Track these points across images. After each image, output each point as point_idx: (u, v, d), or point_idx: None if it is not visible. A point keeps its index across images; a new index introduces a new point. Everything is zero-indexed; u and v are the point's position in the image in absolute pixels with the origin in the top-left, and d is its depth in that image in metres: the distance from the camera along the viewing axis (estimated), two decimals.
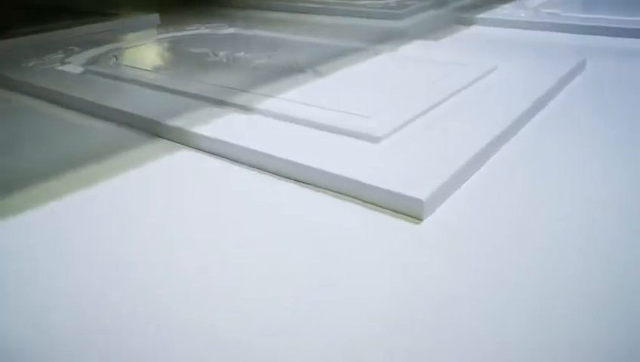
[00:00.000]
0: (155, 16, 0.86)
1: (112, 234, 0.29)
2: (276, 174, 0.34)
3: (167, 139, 0.41)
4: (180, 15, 0.94)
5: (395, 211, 0.29)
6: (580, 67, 0.51)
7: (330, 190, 0.32)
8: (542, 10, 0.78)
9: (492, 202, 0.30)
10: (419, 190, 0.28)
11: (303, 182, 0.33)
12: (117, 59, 0.58)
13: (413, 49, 0.61)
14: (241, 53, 0.59)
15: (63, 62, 0.57)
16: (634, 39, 0.63)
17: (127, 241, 0.28)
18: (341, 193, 0.31)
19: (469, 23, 0.78)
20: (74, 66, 0.56)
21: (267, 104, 0.42)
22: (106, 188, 0.34)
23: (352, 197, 0.31)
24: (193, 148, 0.39)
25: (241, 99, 0.44)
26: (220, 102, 0.44)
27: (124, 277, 0.25)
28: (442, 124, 0.38)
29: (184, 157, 0.38)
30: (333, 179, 0.31)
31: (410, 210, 0.28)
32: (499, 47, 0.64)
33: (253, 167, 0.36)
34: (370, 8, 0.87)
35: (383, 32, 0.76)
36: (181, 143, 0.40)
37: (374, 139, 0.35)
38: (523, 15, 0.75)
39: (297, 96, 0.44)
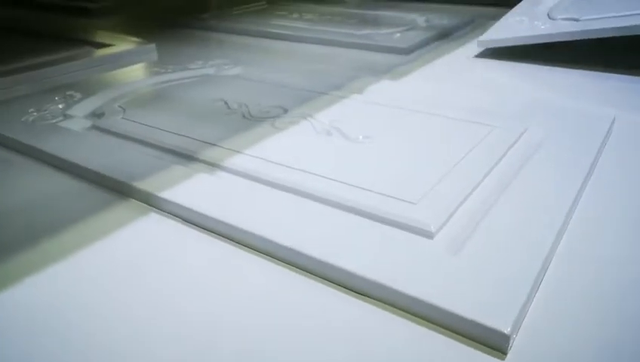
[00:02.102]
0: (152, 47, 0.83)
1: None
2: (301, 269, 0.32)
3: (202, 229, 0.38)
4: (172, 44, 0.91)
5: (464, 336, 0.27)
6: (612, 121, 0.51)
7: (374, 299, 0.30)
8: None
9: (572, 310, 0.28)
10: (501, 319, 0.26)
11: (331, 282, 0.31)
12: (125, 111, 0.54)
13: (427, 96, 0.59)
14: (256, 105, 0.56)
15: (65, 116, 0.54)
16: None
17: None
18: (390, 304, 0.29)
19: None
20: (78, 121, 0.53)
21: (296, 179, 0.40)
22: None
23: (403, 311, 0.29)
24: (231, 241, 0.36)
25: (264, 171, 0.41)
26: (240, 174, 0.41)
27: None
28: (494, 210, 0.36)
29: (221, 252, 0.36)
30: (383, 290, 0.29)
31: (490, 342, 0.26)
32: (515, 88, 0.63)
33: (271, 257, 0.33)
34: (371, 40, 0.85)
35: (389, 68, 0.74)
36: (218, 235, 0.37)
37: (427, 234, 0.33)
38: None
39: (328, 169, 0.41)
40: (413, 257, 0.31)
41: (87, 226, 0.38)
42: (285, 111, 0.55)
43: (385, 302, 0.29)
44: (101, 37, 0.89)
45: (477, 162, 0.42)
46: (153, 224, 0.38)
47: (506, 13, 1.09)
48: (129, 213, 0.39)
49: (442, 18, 1.00)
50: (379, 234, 0.34)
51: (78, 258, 0.34)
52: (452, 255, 0.31)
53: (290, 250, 0.33)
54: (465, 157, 0.43)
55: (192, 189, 0.40)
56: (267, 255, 0.34)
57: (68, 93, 0.60)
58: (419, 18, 1.00)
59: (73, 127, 0.51)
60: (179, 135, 0.48)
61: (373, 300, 0.30)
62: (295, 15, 1.06)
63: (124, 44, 0.83)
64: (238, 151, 0.45)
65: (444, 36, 0.91)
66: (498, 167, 0.42)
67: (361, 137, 0.47)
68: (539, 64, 0.72)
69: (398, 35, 0.88)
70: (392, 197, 0.37)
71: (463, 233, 0.34)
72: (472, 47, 0.82)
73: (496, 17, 1.04)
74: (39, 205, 0.41)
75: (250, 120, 0.53)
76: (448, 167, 0.41)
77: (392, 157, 0.44)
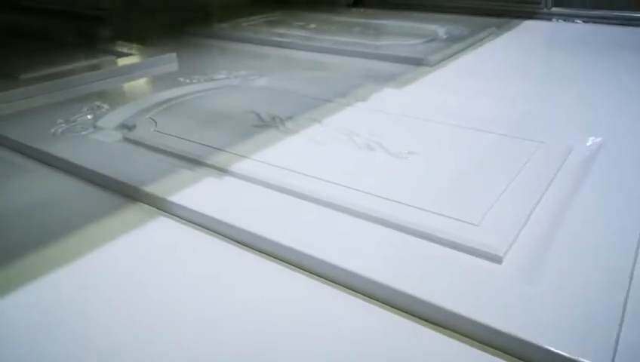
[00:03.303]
0: (172, 56, 0.81)
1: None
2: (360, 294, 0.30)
3: (253, 249, 0.36)
4: (190, 53, 0.89)
5: None
6: None
7: (447, 328, 0.28)
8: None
9: None
10: (597, 356, 0.24)
11: (392, 307, 0.30)
12: (156, 124, 0.53)
13: (465, 111, 0.58)
14: (289, 117, 0.55)
15: (95, 128, 0.52)
16: None
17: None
18: (466, 336, 0.27)
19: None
20: (108, 133, 0.51)
21: (347, 197, 0.38)
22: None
23: (483, 343, 0.27)
24: (287, 263, 0.35)
25: (313, 189, 0.39)
26: (291, 192, 0.40)
27: None
28: (561, 232, 0.34)
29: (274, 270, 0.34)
30: (459, 320, 0.28)
31: None
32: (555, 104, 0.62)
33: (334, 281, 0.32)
34: (394, 52, 0.83)
35: (415, 81, 0.72)
36: (264, 254, 0.35)
37: (495, 259, 0.32)
38: None
39: (378, 186, 0.40)
40: (485, 284, 0.30)
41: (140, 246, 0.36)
42: (320, 123, 0.53)
43: (461, 333, 0.28)
44: (120, 45, 0.88)
45: (531, 180, 0.41)
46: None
47: (513, 22, 1.08)
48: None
49: (461, 29, 0.99)
50: (442, 257, 0.32)
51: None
52: (526, 282, 0.30)
53: (348, 271, 0.31)
54: (518, 175, 0.41)
55: (252, 209, 0.38)
56: (320, 276, 0.32)
57: (95, 103, 0.59)
58: (439, 29, 0.99)
59: (105, 140, 0.50)
60: (217, 149, 0.47)
61: (445, 329, 0.28)
62: (312, 25, 1.05)
63: (144, 53, 0.81)
64: (284, 168, 0.43)
65: (467, 47, 0.90)
66: (554, 185, 0.40)
67: (405, 153, 0.46)
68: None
69: (421, 46, 0.87)
70: (451, 218, 0.36)
71: (532, 257, 0.32)
72: (493, 56, 0.81)
73: (503, 27, 1.05)
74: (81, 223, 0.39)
75: (286, 133, 0.51)
76: (503, 186, 0.40)
77: (441, 174, 0.42)
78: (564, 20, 1.13)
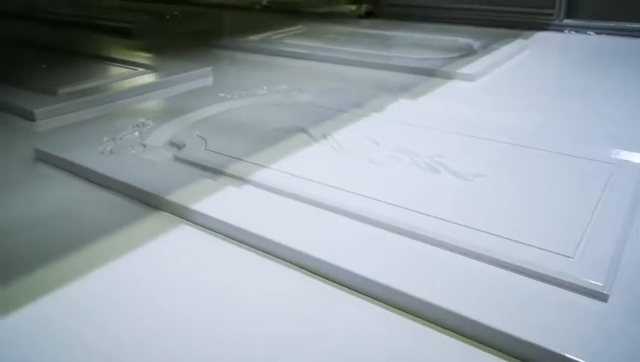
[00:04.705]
0: (208, 71, 0.79)
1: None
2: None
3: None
4: (222, 66, 0.88)
5: None
6: None
7: None
8: None
9: None
10: None
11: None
12: (206, 142, 0.51)
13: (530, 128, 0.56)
14: (343, 136, 0.52)
15: (144, 146, 0.50)
16: None
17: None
18: None
19: None
20: (158, 152, 0.49)
21: (427, 227, 0.36)
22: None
23: None
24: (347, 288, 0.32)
25: (390, 216, 0.37)
26: (368, 220, 0.37)
27: None
28: None
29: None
30: None
31: None
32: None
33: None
34: (433, 65, 0.81)
35: (465, 96, 0.70)
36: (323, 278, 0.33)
37: (600, 296, 0.29)
38: None
39: (456, 214, 0.37)
40: (595, 326, 0.27)
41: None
42: (376, 143, 0.51)
43: None
44: (152, 59, 0.86)
45: (615, 205, 0.38)
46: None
47: (525, 33, 1.06)
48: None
49: (497, 43, 0.97)
50: (540, 294, 0.30)
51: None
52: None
53: (436, 306, 0.29)
54: (600, 200, 0.39)
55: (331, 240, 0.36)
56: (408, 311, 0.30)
57: (139, 120, 0.57)
58: (474, 43, 0.97)
59: (156, 159, 0.48)
60: (274, 170, 0.45)
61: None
62: (343, 38, 1.03)
63: (178, 67, 0.80)
64: (356, 193, 0.40)
65: (505, 60, 0.88)
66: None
67: (472, 175, 0.44)
68: None
69: (460, 60, 0.85)
70: (541, 248, 0.33)
71: (638, 293, 0.30)
72: (521, 69, 0.79)
73: (519, 38, 1.02)
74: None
75: (342, 153, 0.49)
76: (587, 212, 0.37)
77: (517, 199, 0.40)
78: (577, 32, 1.11)
